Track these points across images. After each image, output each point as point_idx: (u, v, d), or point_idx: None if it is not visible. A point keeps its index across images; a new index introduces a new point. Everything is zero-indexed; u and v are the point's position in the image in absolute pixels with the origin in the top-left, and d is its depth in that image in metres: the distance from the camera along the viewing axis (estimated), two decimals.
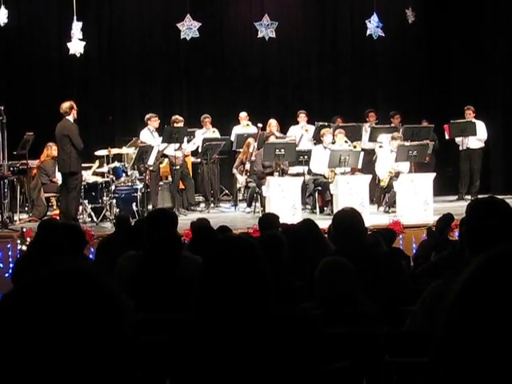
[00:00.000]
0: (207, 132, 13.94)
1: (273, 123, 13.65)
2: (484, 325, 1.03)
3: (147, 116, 12.83)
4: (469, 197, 13.34)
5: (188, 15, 14.63)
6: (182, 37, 14.69)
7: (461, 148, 13.80)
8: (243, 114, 14.46)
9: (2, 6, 12.98)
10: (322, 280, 3.89)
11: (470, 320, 1.05)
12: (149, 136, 12.58)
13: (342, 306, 3.82)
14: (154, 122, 12.75)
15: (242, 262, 2.39)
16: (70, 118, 11.04)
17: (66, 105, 11.05)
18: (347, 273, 3.87)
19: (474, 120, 13.57)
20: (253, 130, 14.02)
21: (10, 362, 1.10)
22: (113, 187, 11.77)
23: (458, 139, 13.78)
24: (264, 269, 2.42)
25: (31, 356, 1.09)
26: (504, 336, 1.01)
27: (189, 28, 14.65)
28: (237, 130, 14.21)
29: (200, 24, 14.66)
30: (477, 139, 13.67)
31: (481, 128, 13.63)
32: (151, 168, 12.14)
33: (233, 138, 14.02)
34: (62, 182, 11.36)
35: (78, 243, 5.66)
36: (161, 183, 12.93)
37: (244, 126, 14.26)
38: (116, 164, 12.31)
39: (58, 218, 10.78)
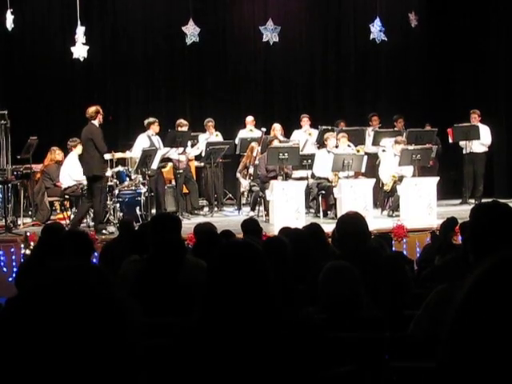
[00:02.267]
0: (211, 136, 13.94)
1: (277, 127, 13.66)
2: (490, 330, 1.03)
3: (149, 120, 12.72)
4: (472, 201, 13.33)
5: (191, 20, 14.66)
6: (187, 40, 14.72)
7: (464, 152, 13.77)
8: (250, 118, 14.46)
9: (9, 11, 13.02)
10: (326, 284, 3.88)
11: (476, 325, 1.05)
12: (145, 141, 12.48)
13: (345, 310, 3.82)
14: (155, 126, 12.68)
15: (247, 266, 2.39)
16: (96, 122, 11.10)
17: (92, 109, 11.12)
18: (351, 277, 3.87)
19: (478, 124, 13.55)
20: (256, 134, 14.03)
21: (14, 369, 1.10)
22: (116, 191, 11.78)
23: (462, 143, 13.75)
24: (268, 273, 2.43)
25: (35, 362, 1.09)
26: (510, 340, 1.01)
27: (192, 33, 14.69)
28: (242, 134, 14.21)
29: (199, 29, 14.68)
30: (481, 143, 13.64)
31: (486, 132, 13.60)
32: (148, 172, 12.06)
33: (237, 141, 14.01)
34: (87, 186, 11.37)
35: (84, 250, 5.65)
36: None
37: (248, 131, 14.27)
38: (120, 168, 12.32)
39: (61, 222, 10.78)
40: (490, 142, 13.78)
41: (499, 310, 1.03)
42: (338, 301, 3.82)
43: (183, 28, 14.70)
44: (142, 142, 12.41)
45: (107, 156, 12.54)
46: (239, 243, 2.66)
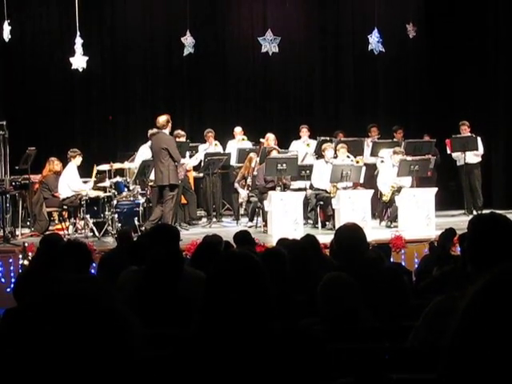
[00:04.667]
0: (210, 147, 13.94)
1: (270, 137, 13.63)
2: (491, 341, 1.03)
3: (151, 131, 12.71)
4: (474, 212, 13.31)
5: (188, 31, 14.69)
6: (185, 51, 14.75)
7: (458, 163, 13.85)
8: (238, 129, 14.49)
9: (6, 22, 13.05)
10: (325, 295, 3.88)
11: (477, 336, 1.05)
12: (147, 152, 12.48)
13: (344, 321, 3.81)
14: None
15: (246, 277, 2.39)
16: (167, 131, 11.20)
17: (163, 118, 11.20)
18: (350, 288, 3.87)
19: (472, 135, 13.62)
20: (247, 144, 14.09)
21: (14, 378, 1.10)
22: (115, 202, 11.76)
23: (454, 155, 13.82)
24: (267, 284, 2.42)
25: (35, 373, 1.09)
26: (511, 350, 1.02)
27: (189, 44, 14.72)
28: (232, 145, 14.22)
29: (194, 41, 14.69)
30: (474, 154, 13.68)
31: (478, 143, 13.65)
32: (151, 183, 12.08)
33: (233, 153, 13.99)
34: (158, 194, 11.38)
35: (83, 262, 5.65)
36: None
37: (239, 141, 14.29)
38: (118, 179, 12.32)
39: (59, 232, 10.75)
40: (483, 152, 13.80)
41: (500, 322, 1.03)
42: (337, 311, 3.82)
43: (182, 39, 14.73)
44: (143, 153, 12.43)
45: (105, 166, 12.56)
46: (238, 254, 2.65)
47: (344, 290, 3.84)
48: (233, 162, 13.88)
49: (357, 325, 3.85)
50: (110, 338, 1.13)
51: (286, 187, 12.20)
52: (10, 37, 13.20)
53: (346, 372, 3.17)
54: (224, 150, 14.13)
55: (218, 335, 2.34)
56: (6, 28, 13.09)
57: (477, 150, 13.54)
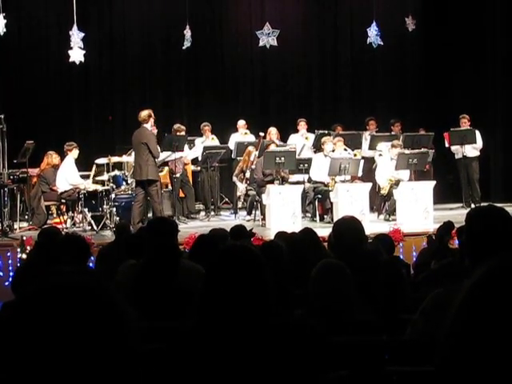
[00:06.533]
0: (206, 140, 13.95)
1: (272, 131, 13.66)
2: (488, 332, 1.03)
3: None
4: (472, 205, 13.33)
5: (187, 24, 14.65)
6: (184, 43, 14.72)
7: (457, 157, 13.87)
8: (241, 122, 14.49)
9: (1, 16, 13.00)
10: (317, 281, 3.85)
11: (474, 327, 1.05)
12: None
13: (336, 309, 3.80)
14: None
15: (245, 270, 2.39)
16: (148, 125, 11.19)
17: (144, 113, 11.19)
18: (343, 275, 3.84)
19: (471, 128, 13.63)
20: (251, 138, 14.07)
21: (14, 370, 1.10)
22: (113, 195, 11.76)
23: (453, 148, 13.82)
24: (267, 277, 2.42)
25: (34, 365, 1.09)
26: (508, 344, 1.02)
27: (188, 37, 14.68)
28: (235, 138, 14.22)
29: (190, 34, 14.65)
30: (473, 147, 13.69)
31: (477, 136, 13.66)
32: None
33: (231, 145, 14.02)
34: (138, 190, 11.32)
35: (81, 255, 5.64)
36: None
37: (242, 134, 14.29)
38: (116, 172, 12.31)
39: (58, 226, 10.74)
40: (482, 145, 13.81)
41: (497, 313, 1.03)
42: (329, 298, 3.79)
43: (184, 31, 14.68)
44: None
45: (103, 160, 12.54)
46: (238, 247, 2.65)
47: (336, 276, 3.82)
48: (232, 155, 13.89)
49: (351, 315, 3.85)
50: (107, 330, 1.13)
51: (284, 180, 12.21)
52: (5, 30, 13.13)
53: (344, 365, 3.17)
54: (227, 143, 14.15)
55: (217, 329, 2.34)
56: (2, 21, 13.03)
57: (475, 143, 13.55)
